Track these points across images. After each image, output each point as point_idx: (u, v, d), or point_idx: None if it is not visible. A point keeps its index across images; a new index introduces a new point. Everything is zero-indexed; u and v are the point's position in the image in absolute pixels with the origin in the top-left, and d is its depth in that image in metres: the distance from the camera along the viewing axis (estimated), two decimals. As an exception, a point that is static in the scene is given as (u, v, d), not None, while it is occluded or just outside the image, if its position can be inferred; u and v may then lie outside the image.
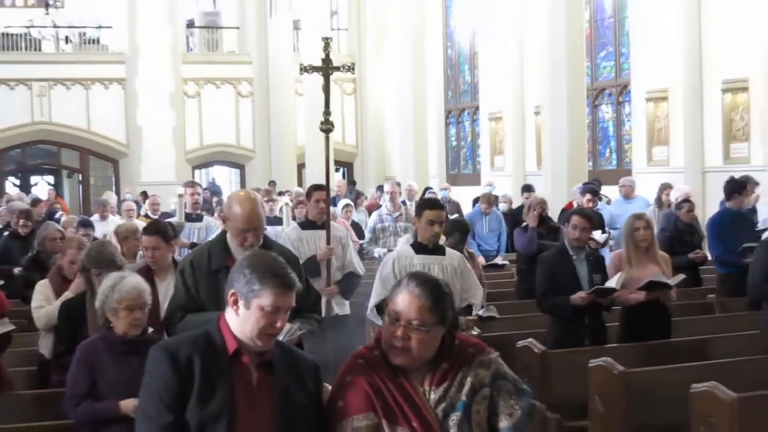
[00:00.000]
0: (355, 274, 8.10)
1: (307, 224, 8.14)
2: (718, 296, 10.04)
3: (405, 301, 3.20)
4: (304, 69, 8.16)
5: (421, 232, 6.59)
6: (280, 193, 17.06)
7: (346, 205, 13.73)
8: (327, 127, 7.89)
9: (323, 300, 6.96)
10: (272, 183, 21.78)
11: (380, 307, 5.94)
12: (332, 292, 7.62)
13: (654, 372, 6.51)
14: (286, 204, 11.59)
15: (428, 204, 6.87)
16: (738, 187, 10.44)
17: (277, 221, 11.54)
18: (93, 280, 5.69)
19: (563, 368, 6.60)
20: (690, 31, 16.46)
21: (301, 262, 6.76)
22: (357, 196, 18.29)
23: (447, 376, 3.24)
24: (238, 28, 27.17)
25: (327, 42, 7.96)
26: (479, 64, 23.34)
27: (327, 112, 7.87)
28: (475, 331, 6.13)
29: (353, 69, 8.58)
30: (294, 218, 11.32)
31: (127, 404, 4.50)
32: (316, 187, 8.29)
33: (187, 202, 11.59)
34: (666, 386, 6.09)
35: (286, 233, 8.36)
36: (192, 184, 12.01)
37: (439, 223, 6.58)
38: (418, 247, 6.60)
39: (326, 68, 7.81)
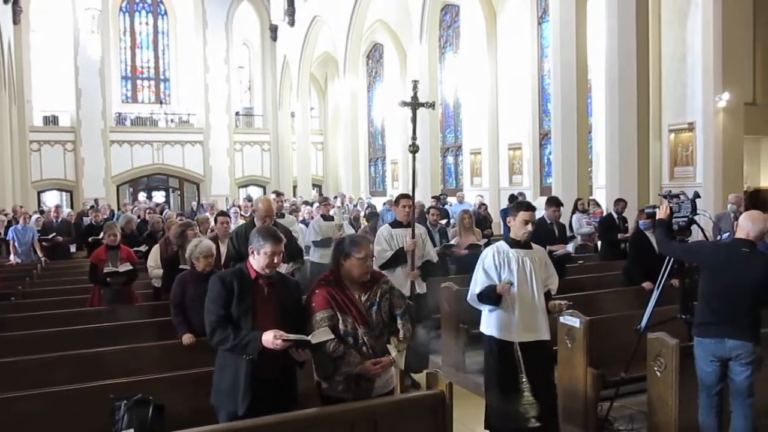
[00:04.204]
0: (431, 262, 5.68)
1: (395, 224, 5.67)
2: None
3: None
4: (402, 104, 5.55)
5: (515, 230, 4.02)
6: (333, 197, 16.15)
7: (318, 206, 13.31)
8: (414, 149, 5.50)
9: (408, 282, 5.34)
10: (282, 194, 20.93)
11: (480, 294, 3.97)
12: (415, 275, 5.41)
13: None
14: (338, 207, 10.21)
15: (524, 206, 4.08)
16: (514, 198, 10.67)
17: (330, 218, 8.60)
18: (183, 243, 5.62)
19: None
20: (491, 118, 16.69)
21: (391, 253, 5.47)
22: (324, 201, 17.86)
23: (369, 289, 3.23)
24: (262, 115, 26.57)
25: (415, 84, 5.61)
26: (387, 134, 23.24)
27: (414, 137, 5.50)
28: (566, 307, 4.13)
29: (433, 106, 5.82)
30: (329, 216, 8.75)
31: (187, 338, 4.39)
32: (403, 196, 5.79)
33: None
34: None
35: (380, 231, 5.80)
36: (278, 194, 10.32)
37: (532, 223, 4.04)
38: (512, 242, 4.03)
39: (414, 104, 5.41)
